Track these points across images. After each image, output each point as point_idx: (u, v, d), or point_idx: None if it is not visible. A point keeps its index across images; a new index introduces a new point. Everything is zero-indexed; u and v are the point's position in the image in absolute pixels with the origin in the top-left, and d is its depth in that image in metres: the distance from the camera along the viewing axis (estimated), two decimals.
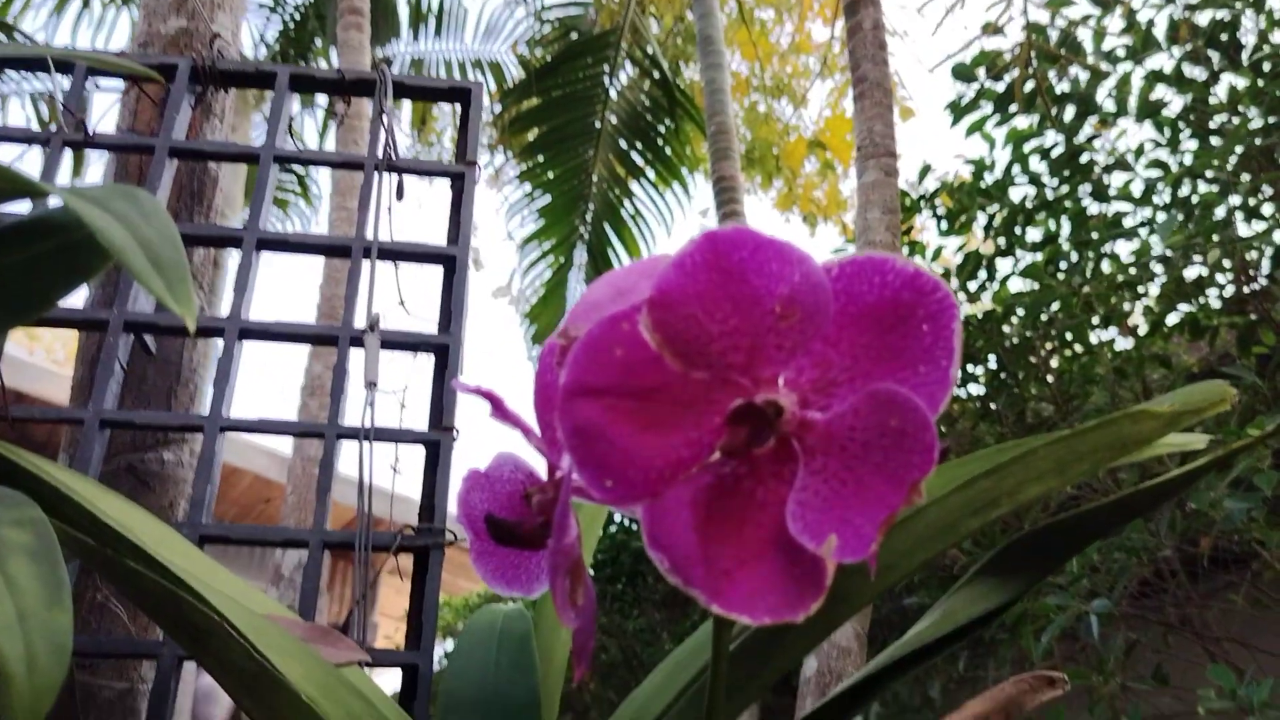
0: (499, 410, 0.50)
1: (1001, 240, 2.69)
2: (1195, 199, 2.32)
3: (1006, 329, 2.70)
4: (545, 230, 5.38)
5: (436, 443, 0.69)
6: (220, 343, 0.71)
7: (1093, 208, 2.62)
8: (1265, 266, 2.32)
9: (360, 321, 0.71)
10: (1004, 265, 2.76)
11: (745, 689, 0.56)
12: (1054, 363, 2.78)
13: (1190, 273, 2.39)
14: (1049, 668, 2.24)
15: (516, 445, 0.53)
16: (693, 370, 0.41)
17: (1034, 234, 2.72)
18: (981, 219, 2.79)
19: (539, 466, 0.53)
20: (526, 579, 0.53)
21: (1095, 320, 2.53)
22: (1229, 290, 2.42)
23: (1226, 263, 2.27)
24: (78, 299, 0.79)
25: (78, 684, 0.68)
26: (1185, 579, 2.32)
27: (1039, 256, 2.64)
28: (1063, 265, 2.54)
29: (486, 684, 0.57)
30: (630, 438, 0.41)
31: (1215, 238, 2.02)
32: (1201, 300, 2.41)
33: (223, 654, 0.49)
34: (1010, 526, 2.28)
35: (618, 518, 4.09)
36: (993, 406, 2.77)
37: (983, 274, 2.74)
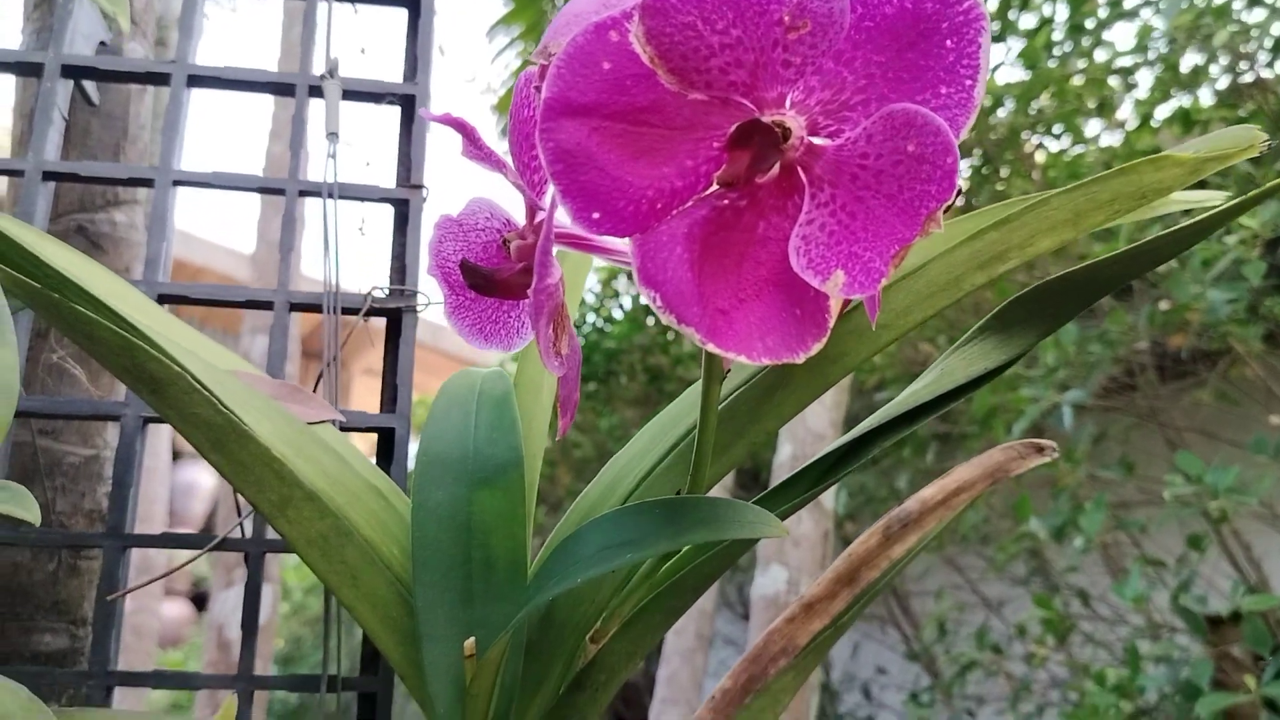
0: (472, 143, 0.46)
1: (995, 25, 2.58)
2: None
3: (994, 121, 2.63)
4: (514, 14, 5.12)
5: (405, 201, 0.64)
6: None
7: None
8: (1263, 58, 2.24)
9: (318, 68, 0.65)
10: (995, 53, 2.66)
11: (732, 448, 0.54)
12: (1039, 158, 2.72)
13: (1186, 62, 2.31)
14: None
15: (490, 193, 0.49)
16: (690, 90, 0.37)
17: (1028, 21, 2.61)
18: None
19: (516, 213, 0.49)
20: (506, 332, 0.50)
21: (1086, 112, 2.46)
22: (1222, 83, 2.35)
23: (1223, 58, 2.19)
24: (11, 41, 0.73)
25: (40, 449, 0.66)
26: (1155, 374, 2.35)
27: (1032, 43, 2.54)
28: (1055, 53, 2.45)
29: (466, 444, 0.55)
30: (619, 165, 0.37)
31: (1222, 20, 1.93)
32: (1195, 93, 2.34)
33: (185, 406, 0.46)
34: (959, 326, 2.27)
35: (590, 318, 4.08)
36: (975, 202, 2.73)
37: None
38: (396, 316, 0.63)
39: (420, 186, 0.65)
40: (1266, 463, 1.69)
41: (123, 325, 0.47)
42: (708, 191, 0.38)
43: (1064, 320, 0.55)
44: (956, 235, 0.51)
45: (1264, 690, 1.54)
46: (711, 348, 0.37)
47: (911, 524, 0.60)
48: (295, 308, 0.62)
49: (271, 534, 0.62)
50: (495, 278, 0.45)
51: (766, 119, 0.36)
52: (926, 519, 0.61)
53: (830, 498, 1.98)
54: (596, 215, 0.37)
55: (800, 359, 0.37)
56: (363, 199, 0.65)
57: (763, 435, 0.55)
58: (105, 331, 0.44)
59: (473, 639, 0.46)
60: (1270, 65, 2.12)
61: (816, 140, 0.38)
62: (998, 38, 2.58)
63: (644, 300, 0.38)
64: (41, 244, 0.52)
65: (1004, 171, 2.73)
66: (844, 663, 3.84)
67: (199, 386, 0.46)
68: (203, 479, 6.14)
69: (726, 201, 0.38)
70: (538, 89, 0.43)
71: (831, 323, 0.38)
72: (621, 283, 4.03)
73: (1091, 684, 1.80)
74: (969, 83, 0.37)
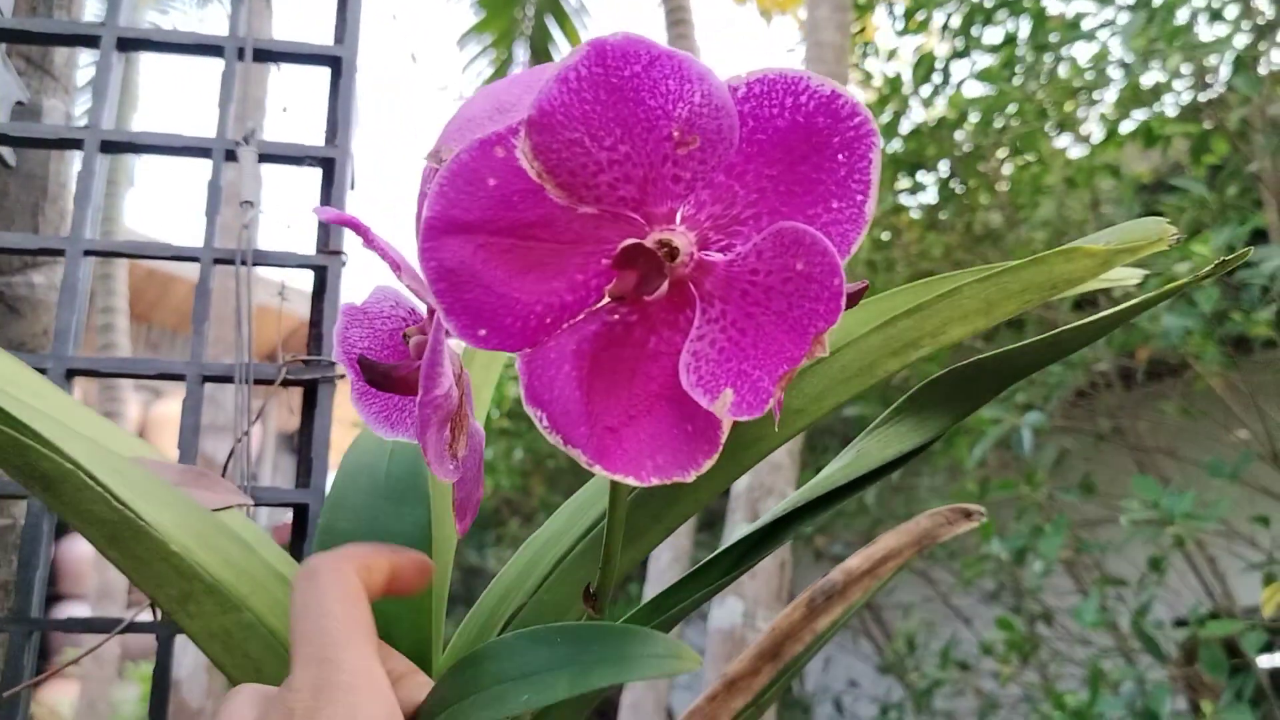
0: (369, 241, 0.44)
1: (959, 41, 2.58)
2: (1158, 0, 2.23)
3: (959, 135, 2.64)
4: (485, 23, 5.12)
5: (324, 268, 0.63)
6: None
7: (1054, 6, 2.52)
8: (1223, 73, 2.26)
9: (236, 132, 0.64)
10: (960, 69, 2.67)
11: (648, 534, 0.53)
12: (1005, 171, 2.73)
13: (1147, 79, 2.32)
14: (981, 477, 2.30)
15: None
16: (579, 204, 0.36)
17: (992, 35, 2.61)
18: (939, 18, 2.67)
19: (421, 303, 0.48)
20: (412, 421, 0.49)
21: (1049, 127, 2.46)
22: (1185, 98, 2.36)
23: (1185, 69, 2.21)
24: None
25: None
26: (1120, 388, 2.36)
27: (996, 60, 2.54)
28: (1019, 69, 2.46)
29: (367, 517, 0.53)
30: (506, 281, 0.36)
31: (1177, 43, 1.94)
32: (1157, 108, 2.35)
33: (78, 503, 0.45)
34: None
35: None
36: (941, 217, 2.74)
37: (938, 77, 2.65)
38: (312, 388, 0.62)
39: (339, 253, 0.63)
40: (1224, 484, 1.70)
41: (11, 422, 0.46)
42: (598, 305, 0.37)
43: (979, 404, 0.54)
44: (870, 320, 0.51)
45: (1221, 715, 1.54)
46: (599, 470, 0.36)
47: (836, 596, 0.60)
48: (207, 379, 0.61)
49: None
50: (393, 374, 0.44)
51: (651, 241, 0.35)
52: (852, 590, 0.60)
53: None
54: (483, 332, 0.36)
55: (691, 477, 0.37)
56: (280, 265, 0.63)
57: (680, 518, 0.54)
58: None
59: None
60: (1229, 83, 2.13)
61: (708, 255, 0.37)
62: (962, 53, 2.58)
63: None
64: None
65: (970, 183, 2.74)
66: (816, 675, 3.84)
67: (92, 483, 0.44)
68: None
69: (617, 316, 0.37)
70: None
71: (723, 439, 0.37)
72: None
73: (1052, 707, 1.80)
74: (860, 197, 0.36)
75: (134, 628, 0.57)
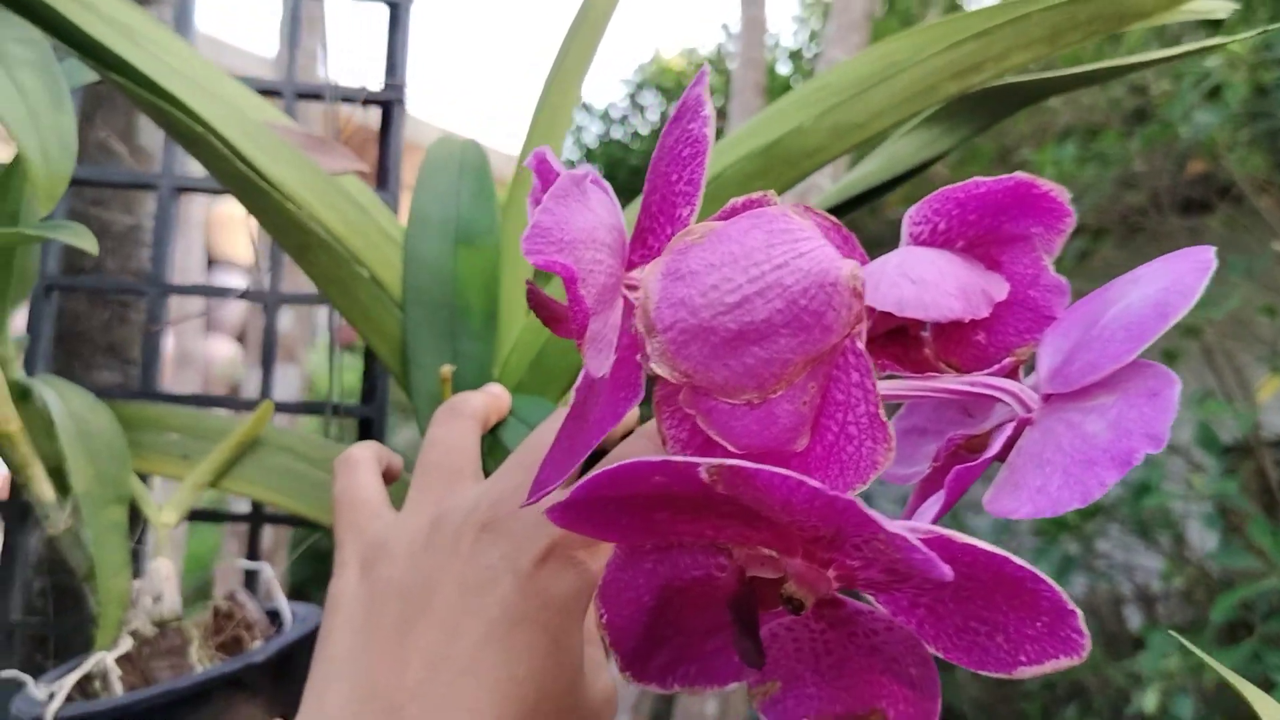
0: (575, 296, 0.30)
1: None
2: None
3: None
4: None
5: (397, 5, 0.73)
6: None
7: None
8: None
9: None
10: None
11: None
12: None
13: None
14: None
15: None
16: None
17: None
18: None
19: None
20: None
21: None
22: None
23: None
24: None
25: (91, 216, 0.77)
26: (1165, 200, 2.37)
27: None
28: None
29: (451, 207, 0.61)
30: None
31: None
32: None
33: (212, 162, 0.52)
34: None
35: (614, 132, 4.02)
36: None
37: None
38: (389, 107, 0.73)
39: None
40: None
41: (157, 90, 0.52)
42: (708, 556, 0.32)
43: (1001, 118, 0.56)
44: (936, 42, 0.52)
45: (1207, 489, 1.67)
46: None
47: None
48: (301, 96, 0.72)
49: (284, 288, 0.73)
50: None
51: (785, 589, 0.29)
52: None
53: None
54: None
55: None
56: None
57: None
58: (146, 100, 0.52)
59: (449, 366, 0.54)
60: None
61: (842, 598, 0.31)
62: None
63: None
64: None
65: None
66: None
67: (220, 145, 0.52)
68: None
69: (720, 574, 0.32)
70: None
71: None
72: (647, 97, 4.00)
73: None
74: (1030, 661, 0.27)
75: (248, 295, 0.70)
